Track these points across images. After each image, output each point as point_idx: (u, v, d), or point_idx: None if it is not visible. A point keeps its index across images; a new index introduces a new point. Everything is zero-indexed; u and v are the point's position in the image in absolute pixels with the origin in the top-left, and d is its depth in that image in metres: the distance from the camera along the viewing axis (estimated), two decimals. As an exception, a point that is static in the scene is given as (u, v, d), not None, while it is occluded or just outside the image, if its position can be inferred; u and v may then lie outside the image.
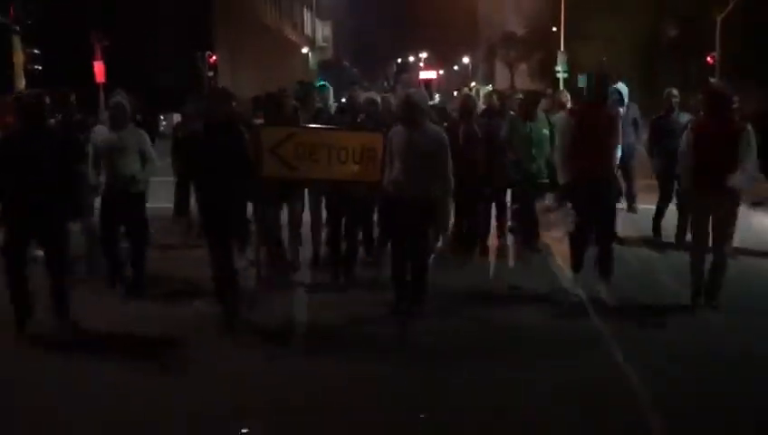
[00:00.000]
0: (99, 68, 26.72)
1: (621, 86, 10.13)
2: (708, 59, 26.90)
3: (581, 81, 31.94)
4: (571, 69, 32.14)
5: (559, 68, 30.76)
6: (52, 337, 5.73)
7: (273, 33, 41.66)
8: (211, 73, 27.02)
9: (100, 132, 7.15)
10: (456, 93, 9.57)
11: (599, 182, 6.53)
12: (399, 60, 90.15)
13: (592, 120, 6.54)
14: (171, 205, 9.14)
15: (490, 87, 46.58)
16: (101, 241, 7.01)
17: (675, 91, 8.91)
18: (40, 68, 19.90)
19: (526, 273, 7.36)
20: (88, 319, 5.92)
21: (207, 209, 6.14)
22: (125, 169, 6.84)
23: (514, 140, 7.92)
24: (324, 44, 53.16)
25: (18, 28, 18.34)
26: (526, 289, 6.81)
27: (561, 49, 31.14)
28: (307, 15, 51.90)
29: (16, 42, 18.58)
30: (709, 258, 6.28)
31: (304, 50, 46.41)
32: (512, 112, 8.85)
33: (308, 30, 52.44)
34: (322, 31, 54.90)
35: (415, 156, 5.85)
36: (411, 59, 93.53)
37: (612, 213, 6.88)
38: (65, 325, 5.86)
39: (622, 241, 8.29)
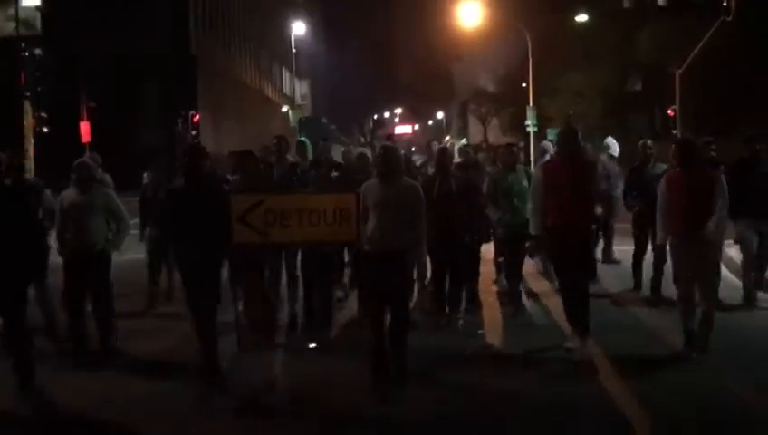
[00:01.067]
0: (85, 128, 27.49)
1: (611, 141, 10.15)
2: (669, 111, 28.32)
3: (550, 133, 33.30)
4: (541, 123, 33.47)
5: (528, 122, 32.05)
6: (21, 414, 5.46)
7: (254, 92, 42.86)
8: (194, 132, 27.93)
9: (68, 195, 6.86)
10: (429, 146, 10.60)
11: (572, 234, 6.49)
12: (375, 115, 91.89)
13: (564, 172, 6.57)
14: (139, 256, 8.97)
15: (464, 141, 48.01)
16: (69, 312, 6.71)
17: (650, 142, 8.94)
18: (47, 130, 20.72)
19: (515, 330, 7.28)
20: (54, 396, 5.66)
21: (187, 273, 6.08)
22: (92, 232, 6.66)
23: (497, 194, 7.98)
24: (303, 102, 54.43)
25: (29, 94, 19.22)
26: (514, 349, 6.66)
27: (531, 104, 32.48)
28: (285, 74, 53.28)
29: (27, 106, 19.46)
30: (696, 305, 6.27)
31: (284, 108, 47.58)
32: (488, 168, 9.10)
33: (287, 88, 53.79)
34: (300, 89, 56.21)
35: (391, 210, 5.80)
36: (387, 114, 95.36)
37: (586, 266, 6.84)
38: (29, 397, 5.60)
39: (608, 295, 8.45)
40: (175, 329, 7.31)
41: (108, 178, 9.55)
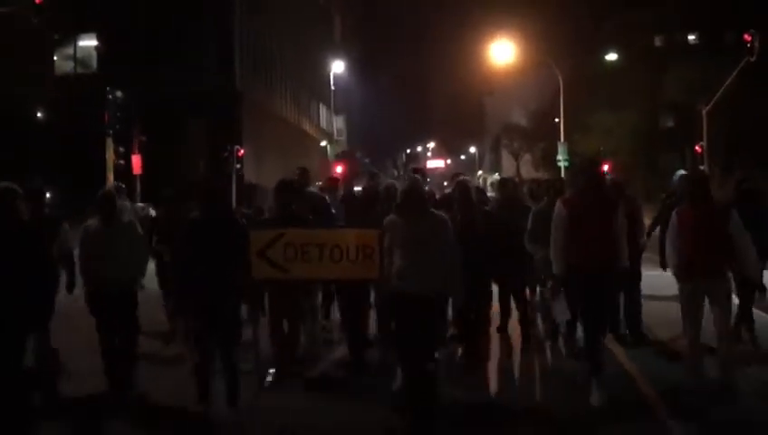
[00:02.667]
0: (136, 161, 29.07)
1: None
2: (696, 148, 29.06)
3: (581, 169, 34.16)
4: (572, 158, 34.39)
5: (560, 157, 32.98)
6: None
7: (293, 127, 44.46)
8: (239, 166, 29.34)
9: (92, 226, 6.61)
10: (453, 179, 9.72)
11: (597, 273, 6.13)
12: (408, 150, 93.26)
13: (588, 207, 6.23)
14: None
15: (497, 175, 48.74)
16: (103, 355, 6.47)
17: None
18: (123, 162, 22.44)
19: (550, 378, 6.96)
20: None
21: (199, 305, 5.87)
22: (117, 265, 6.40)
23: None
24: (340, 138, 55.98)
25: (111, 132, 21.12)
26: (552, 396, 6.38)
27: (562, 140, 33.44)
28: (323, 110, 54.94)
29: (109, 143, 21.29)
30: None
31: (323, 142, 49.17)
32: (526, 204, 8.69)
33: (324, 123, 55.41)
34: (336, 124, 57.77)
35: (419, 247, 5.52)
36: (420, 148, 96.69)
37: (608, 307, 6.54)
38: None
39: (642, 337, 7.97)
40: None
41: (127, 204, 9.77)
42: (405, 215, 5.67)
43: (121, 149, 22.96)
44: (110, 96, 21.34)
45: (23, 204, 5.52)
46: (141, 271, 6.81)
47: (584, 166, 6.80)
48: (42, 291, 5.52)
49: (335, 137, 54.99)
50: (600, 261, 6.13)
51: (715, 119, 28.37)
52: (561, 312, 6.87)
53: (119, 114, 21.18)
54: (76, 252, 6.82)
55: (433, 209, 5.91)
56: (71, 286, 7.04)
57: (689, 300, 6.23)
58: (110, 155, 22.19)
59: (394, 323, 5.98)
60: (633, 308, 8.16)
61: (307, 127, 49.71)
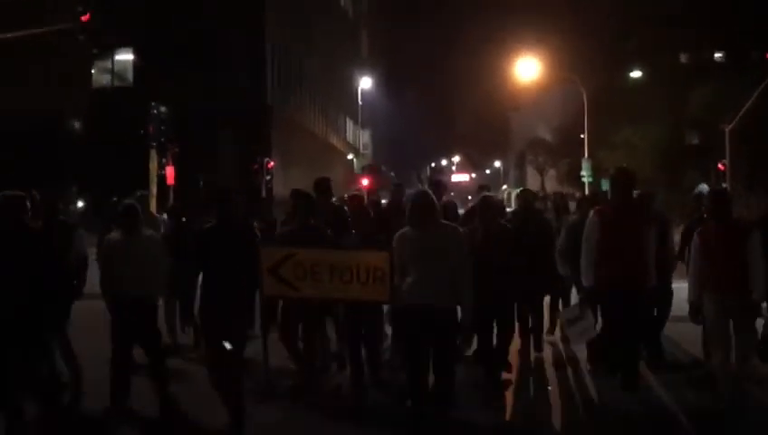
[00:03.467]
0: (170, 172, 30.03)
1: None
2: (720, 166, 29.32)
3: (604, 184, 34.56)
4: (596, 174, 34.77)
5: (584, 173, 33.41)
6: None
7: (320, 141, 45.33)
8: (269, 177, 30.15)
9: (114, 238, 6.62)
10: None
11: (629, 290, 6.08)
12: (433, 163, 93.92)
13: (622, 221, 6.17)
14: None
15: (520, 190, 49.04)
16: (117, 366, 6.39)
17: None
18: (164, 172, 23.47)
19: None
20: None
21: (212, 310, 5.92)
22: (138, 277, 6.35)
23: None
24: (366, 151, 56.84)
25: (154, 144, 22.15)
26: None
27: (586, 156, 33.88)
28: (349, 124, 55.81)
29: (152, 154, 22.30)
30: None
31: (350, 156, 50.02)
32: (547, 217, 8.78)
33: (350, 137, 56.28)
34: (362, 138, 58.61)
35: (430, 260, 5.43)
36: (444, 162, 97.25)
37: (639, 325, 6.35)
38: None
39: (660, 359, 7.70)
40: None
41: (160, 216, 10.09)
42: (414, 227, 5.57)
43: (163, 160, 23.89)
44: (155, 111, 22.47)
45: (27, 210, 5.66)
46: (161, 285, 6.67)
47: (618, 176, 6.56)
48: (52, 295, 5.61)
49: (361, 151, 55.82)
50: (631, 276, 6.06)
51: (738, 137, 28.62)
52: (584, 330, 6.69)
53: (162, 128, 22.21)
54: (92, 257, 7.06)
55: (444, 221, 5.82)
56: (78, 292, 6.99)
57: (715, 322, 6.05)
58: (153, 166, 23.19)
59: (405, 339, 5.81)
60: (656, 325, 7.80)
61: (334, 140, 50.58)
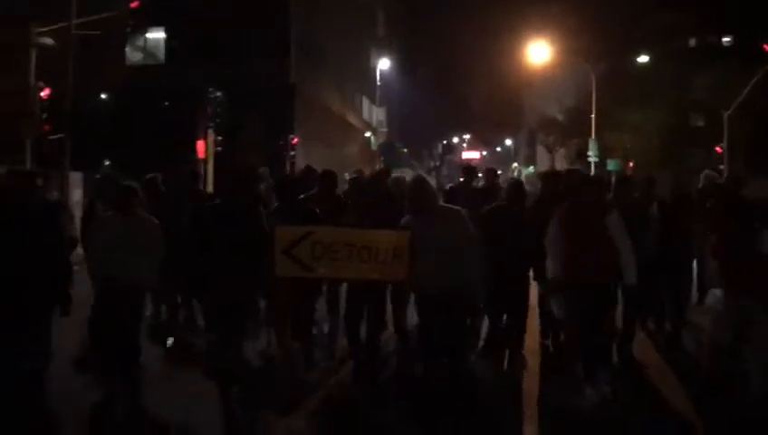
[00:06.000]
0: (200, 146, 31.84)
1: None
2: (717, 149, 30.94)
3: (610, 164, 36.26)
4: (602, 154, 36.45)
5: (590, 153, 35.09)
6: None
7: (338, 118, 47.01)
8: (293, 153, 31.93)
9: (110, 219, 6.49)
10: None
11: (591, 286, 6.01)
12: (445, 141, 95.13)
13: (586, 214, 6.15)
14: None
15: (532, 168, 50.33)
16: (95, 350, 6.31)
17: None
18: (220, 149, 25.51)
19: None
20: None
21: (217, 292, 5.90)
22: (130, 261, 6.14)
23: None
24: (384, 130, 58.47)
25: (212, 124, 24.23)
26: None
27: (593, 136, 35.54)
28: (365, 102, 57.41)
29: (210, 133, 24.36)
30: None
31: (367, 133, 51.77)
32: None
33: (366, 115, 57.91)
34: (377, 115, 60.14)
35: (436, 245, 5.44)
36: (456, 140, 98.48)
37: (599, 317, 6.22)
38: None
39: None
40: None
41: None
42: (415, 215, 5.61)
43: (219, 138, 25.91)
44: (212, 95, 24.86)
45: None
46: (154, 271, 6.44)
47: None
48: (47, 270, 5.66)
49: (378, 128, 57.50)
50: (595, 271, 6.01)
51: (737, 121, 30.18)
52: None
53: (218, 110, 24.19)
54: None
55: (445, 204, 5.86)
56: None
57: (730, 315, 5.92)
58: (210, 145, 25.25)
59: (420, 325, 5.95)
60: (679, 301, 8.13)
61: (351, 118, 52.25)
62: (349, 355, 7.05)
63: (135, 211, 6.37)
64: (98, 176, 7.18)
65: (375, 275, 5.99)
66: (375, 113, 58.60)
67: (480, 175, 10.92)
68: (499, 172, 11.14)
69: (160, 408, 6.10)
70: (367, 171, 13.86)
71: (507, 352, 7.20)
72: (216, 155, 26.52)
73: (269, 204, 7.72)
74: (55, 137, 20.71)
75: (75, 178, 22.30)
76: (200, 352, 7.03)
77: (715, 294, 6.48)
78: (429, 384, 5.74)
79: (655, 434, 5.78)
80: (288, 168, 30.95)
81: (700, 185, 9.44)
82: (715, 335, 6.12)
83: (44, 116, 20.63)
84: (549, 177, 8.64)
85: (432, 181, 6.71)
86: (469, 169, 10.19)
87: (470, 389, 5.94)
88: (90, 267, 6.44)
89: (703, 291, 9.23)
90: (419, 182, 5.73)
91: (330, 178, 7.95)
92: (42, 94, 20.68)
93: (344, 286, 7.16)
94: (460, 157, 73.53)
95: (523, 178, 37.41)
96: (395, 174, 9.32)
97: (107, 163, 30.58)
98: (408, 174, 8.96)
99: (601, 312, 6.18)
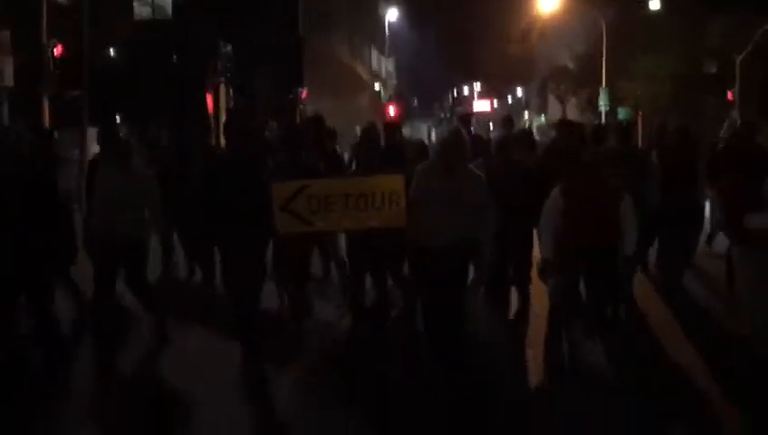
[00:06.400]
0: (209, 100, 32.06)
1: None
2: (729, 95, 30.75)
3: (620, 113, 36.14)
4: (613, 103, 36.31)
5: (601, 102, 34.97)
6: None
7: (347, 70, 46.89)
8: (303, 106, 32.06)
9: (105, 174, 6.47)
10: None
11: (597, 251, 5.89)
12: (455, 92, 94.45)
13: (594, 193, 5.92)
14: None
15: (543, 118, 50.06)
16: (95, 310, 6.40)
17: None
18: (233, 104, 25.79)
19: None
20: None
21: (229, 253, 6.00)
22: (128, 218, 6.18)
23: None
24: (394, 81, 58.26)
25: (223, 79, 24.44)
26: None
27: (603, 85, 35.36)
28: (374, 53, 57.12)
29: (222, 88, 24.63)
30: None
31: (376, 85, 51.64)
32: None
33: (375, 66, 57.67)
34: (386, 66, 59.87)
35: (451, 204, 5.31)
36: (466, 91, 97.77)
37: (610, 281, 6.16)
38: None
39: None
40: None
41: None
42: (442, 168, 5.40)
43: (231, 93, 26.15)
44: (223, 49, 24.51)
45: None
46: (155, 224, 6.59)
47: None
48: (52, 228, 5.68)
49: (387, 80, 57.29)
50: (599, 237, 5.86)
51: (749, 67, 29.93)
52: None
53: (229, 64, 24.37)
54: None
55: (471, 166, 5.59)
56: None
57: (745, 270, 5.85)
58: (223, 99, 25.53)
59: (418, 277, 5.88)
60: (682, 256, 8.03)
61: (360, 70, 52.06)
62: (351, 307, 7.07)
63: (132, 166, 6.39)
64: (98, 130, 7.22)
65: (374, 222, 5.86)
66: (384, 64, 58.35)
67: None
68: None
69: (176, 363, 6.26)
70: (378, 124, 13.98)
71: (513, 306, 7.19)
72: (228, 110, 26.80)
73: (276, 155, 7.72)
74: (73, 93, 20.92)
75: (92, 133, 22.64)
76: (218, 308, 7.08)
77: (724, 240, 6.45)
78: (431, 341, 5.69)
79: (659, 384, 5.78)
80: (299, 120, 31.09)
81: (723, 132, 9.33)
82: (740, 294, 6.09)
83: (58, 73, 20.77)
84: (563, 126, 8.17)
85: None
86: (465, 118, 9.91)
87: (472, 340, 5.89)
88: (89, 224, 6.54)
89: (711, 235, 9.19)
90: (454, 136, 5.42)
91: (317, 124, 8.04)
92: (55, 51, 20.78)
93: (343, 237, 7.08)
94: (471, 108, 73.03)
95: (534, 128, 37.40)
96: (405, 129, 9.42)
97: (117, 118, 30.88)
98: (418, 127, 9.11)
99: (602, 277, 6.06)
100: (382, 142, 8.22)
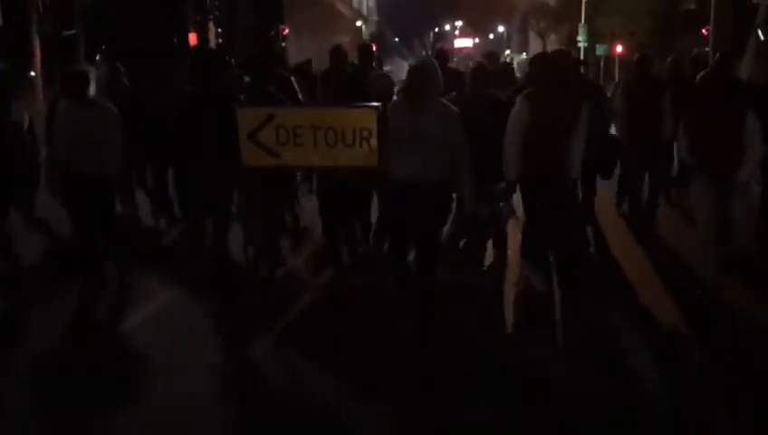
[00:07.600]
0: (192, 38, 32.14)
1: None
2: (703, 31, 31.23)
3: (599, 49, 36.58)
4: (592, 39, 36.69)
5: (580, 38, 35.36)
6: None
7: (328, 8, 46.68)
8: (284, 44, 32.18)
9: (65, 108, 6.21)
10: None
11: (550, 180, 5.72)
12: (436, 29, 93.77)
13: (552, 107, 5.70)
14: None
15: (524, 55, 50.11)
16: (76, 240, 6.20)
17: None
18: (221, 40, 26.12)
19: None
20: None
21: (193, 189, 5.87)
22: (92, 153, 6.02)
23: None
24: (376, 18, 57.93)
25: (212, 17, 24.76)
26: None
27: (582, 22, 35.70)
28: (354, -11, 56.74)
29: (211, 25, 25.01)
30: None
31: (358, 23, 51.40)
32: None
33: (355, 3, 57.28)
34: (367, 2, 59.41)
35: (421, 140, 4.92)
36: (447, 28, 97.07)
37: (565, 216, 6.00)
38: None
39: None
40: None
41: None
42: (409, 101, 5.06)
43: (219, 30, 26.44)
44: None
45: None
46: (117, 157, 6.25)
47: (550, 59, 6.27)
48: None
49: (369, 17, 56.97)
50: (556, 165, 5.73)
51: (725, 2, 30.31)
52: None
53: (217, 2, 24.69)
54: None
55: (444, 100, 5.20)
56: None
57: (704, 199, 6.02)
58: (210, 35, 25.88)
59: (386, 216, 5.64)
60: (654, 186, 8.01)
61: (341, 7, 51.76)
62: (324, 254, 6.88)
63: (88, 99, 6.22)
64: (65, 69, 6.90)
65: (344, 161, 5.38)
66: (365, 1, 57.94)
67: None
68: None
69: (142, 316, 5.90)
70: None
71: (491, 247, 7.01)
72: (217, 46, 27.14)
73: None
74: (68, 33, 21.07)
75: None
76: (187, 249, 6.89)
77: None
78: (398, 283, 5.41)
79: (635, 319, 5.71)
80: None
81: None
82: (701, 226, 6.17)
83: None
84: (536, 61, 7.40)
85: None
86: (441, 52, 9.87)
87: (449, 279, 5.78)
88: (51, 160, 6.36)
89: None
90: (422, 69, 5.06)
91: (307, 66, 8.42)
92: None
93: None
94: (452, 45, 72.69)
95: (515, 64, 37.64)
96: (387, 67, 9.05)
97: (98, 56, 30.81)
98: (400, 64, 8.95)
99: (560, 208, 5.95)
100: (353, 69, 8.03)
